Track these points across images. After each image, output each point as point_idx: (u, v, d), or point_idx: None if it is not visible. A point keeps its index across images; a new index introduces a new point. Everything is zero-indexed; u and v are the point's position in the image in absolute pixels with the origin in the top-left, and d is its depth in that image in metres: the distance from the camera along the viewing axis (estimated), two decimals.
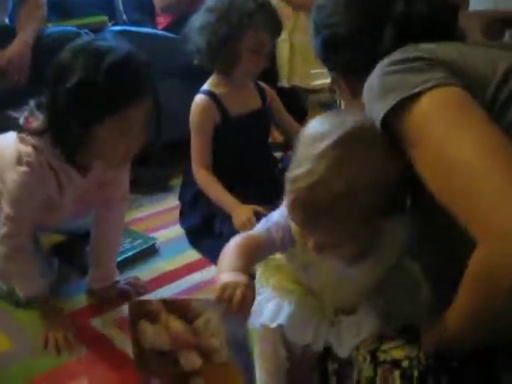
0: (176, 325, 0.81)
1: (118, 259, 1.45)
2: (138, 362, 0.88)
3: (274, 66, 2.45)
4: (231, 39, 1.49)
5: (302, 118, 2.59)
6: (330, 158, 0.71)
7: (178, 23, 2.36)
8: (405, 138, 0.71)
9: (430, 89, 0.68)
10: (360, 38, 0.85)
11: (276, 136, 2.35)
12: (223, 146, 1.60)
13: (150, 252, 1.60)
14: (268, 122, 1.72)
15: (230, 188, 1.55)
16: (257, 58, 1.55)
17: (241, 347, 0.81)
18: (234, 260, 0.84)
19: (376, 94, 0.74)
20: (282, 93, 2.50)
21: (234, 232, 1.48)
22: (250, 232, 0.92)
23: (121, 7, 2.59)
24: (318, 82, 2.57)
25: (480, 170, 0.62)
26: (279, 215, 0.89)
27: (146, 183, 2.04)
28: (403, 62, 0.73)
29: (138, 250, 1.56)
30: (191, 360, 0.83)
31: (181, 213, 1.76)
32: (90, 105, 1.05)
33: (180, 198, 1.78)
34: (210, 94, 1.58)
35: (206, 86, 1.61)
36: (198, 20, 1.55)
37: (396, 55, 0.76)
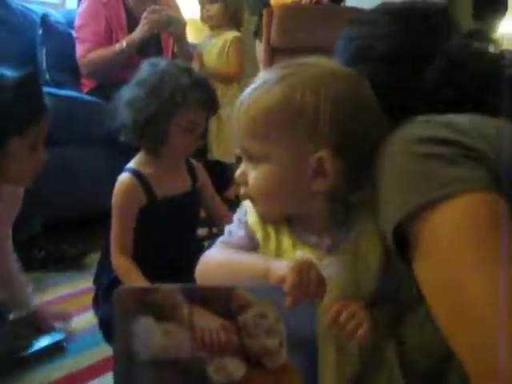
0: (207, 321, 0.62)
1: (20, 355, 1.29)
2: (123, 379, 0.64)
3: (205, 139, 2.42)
4: (161, 117, 1.38)
5: (225, 188, 2.57)
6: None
7: (105, 86, 2.29)
8: (416, 245, 0.60)
9: (459, 192, 0.56)
10: (398, 57, 0.76)
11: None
12: (148, 232, 1.47)
13: (57, 348, 1.41)
14: (198, 206, 1.61)
15: (154, 279, 1.40)
16: (188, 137, 1.44)
17: (305, 345, 0.65)
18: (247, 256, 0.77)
19: (395, 183, 0.62)
20: (209, 164, 2.47)
21: None
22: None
23: (44, 66, 2.45)
24: None
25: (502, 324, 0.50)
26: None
27: (56, 260, 1.87)
28: (434, 143, 0.61)
29: (42, 346, 1.37)
30: (229, 368, 0.63)
31: (95, 297, 1.60)
32: None
33: (95, 282, 1.62)
34: (135, 173, 1.46)
35: (131, 164, 1.49)
36: (127, 93, 1.44)
37: (426, 129, 0.63)
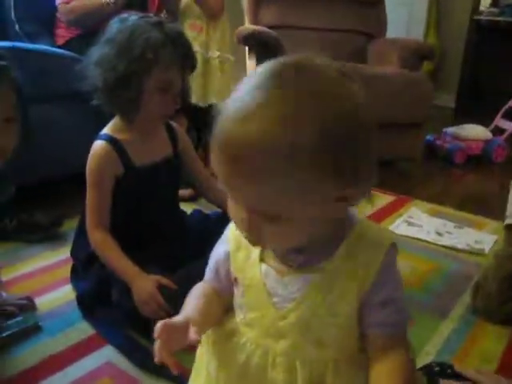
0: None
1: None
2: None
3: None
4: (132, 77, 1.24)
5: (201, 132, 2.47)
6: (265, 89, 0.58)
7: (82, 39, 2.13)
8: None
9: None
10: None
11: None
12: (125, 203, 1.36)
13: (32, 329, 1.32)
14: (178, 174, 1.49)
15: (132, 252, 1.32)
16: (164, 99, 1.30)
17: None
18: None
19: None
20: (197, 112, 2.34)
21: (133, 306, 1.27)
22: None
23: (13, 16, 2.26)
24: None
25: None
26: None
27: (29, 230, 1.76)
28: None
29: (15, 329, 1.28)
30: None
31: (73, 270, 1.51)
32: None
33: (72, 254, 1.52)
34: (110, 140, 1.33)
35: (106, 130, 1.36)
36: (96, 51, 1.29)
37: None
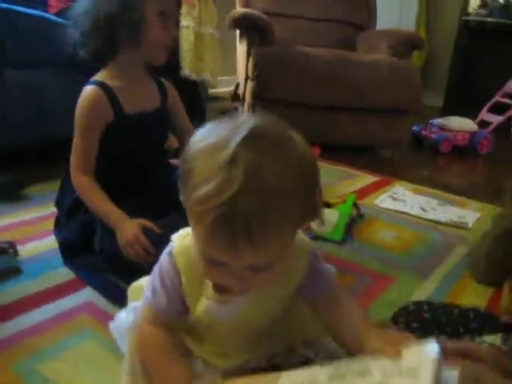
0: None
1: None
2: None
3: (175, 53, 2.29)
4: (134, 2, 1.22)
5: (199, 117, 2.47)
6: (244, 162, 0.57)
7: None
8: None
9: None
10: None
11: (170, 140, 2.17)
12: (112, 150, 1.35)
13: (12, 271, 1.32)
14: (166, 124, 1.48)
15: (118, 200, 1.30)
16: (165, 23, 1.28)
17: None
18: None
19: None
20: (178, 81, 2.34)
21: (117, 250, 1.27)
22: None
23: None
24: (220, 90, 2.46)
25: None
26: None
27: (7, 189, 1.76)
28: None
29: None
30: None
31: (56, 222, 1.49)
32: None
33: (57, 205, 1.51)
34: (102, 85, 1.31)
35: (97, 77, 1.34)
36: (81, 4, 1.28)
37: None
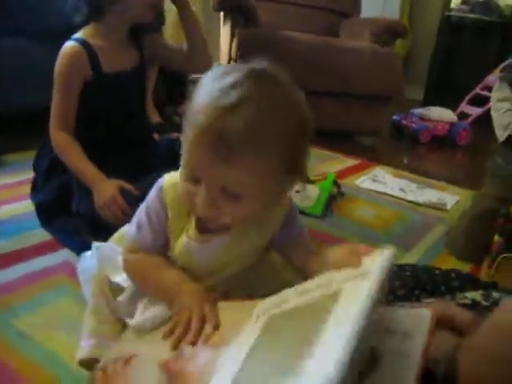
0: None
1: None
2: None
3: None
4: None
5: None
6: (246, 88, 0.63)
7: None
8: None
9: None
10: None
11: (153, 116, 2.14)
12: (90, 108, 1.32)
13: None
14: (145, 84, 1.46)
15: (97, 161, 1.28)
16: None
17: None
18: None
19: None
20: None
21: (93, 212, 1.24)
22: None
23: None
24: None
25: None
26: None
27: None
28: None
29: None
30: None
31: (33, 185, 1.46)
32: None
33: (34, 168, 1.47)
34: (83, 43, 1.29)
35: (78, 35, 1.32)
36: None
37: None
